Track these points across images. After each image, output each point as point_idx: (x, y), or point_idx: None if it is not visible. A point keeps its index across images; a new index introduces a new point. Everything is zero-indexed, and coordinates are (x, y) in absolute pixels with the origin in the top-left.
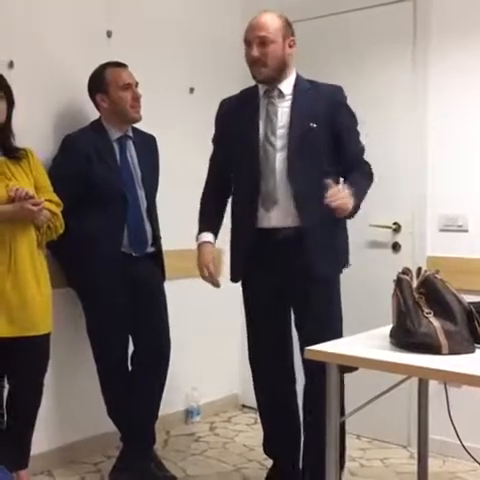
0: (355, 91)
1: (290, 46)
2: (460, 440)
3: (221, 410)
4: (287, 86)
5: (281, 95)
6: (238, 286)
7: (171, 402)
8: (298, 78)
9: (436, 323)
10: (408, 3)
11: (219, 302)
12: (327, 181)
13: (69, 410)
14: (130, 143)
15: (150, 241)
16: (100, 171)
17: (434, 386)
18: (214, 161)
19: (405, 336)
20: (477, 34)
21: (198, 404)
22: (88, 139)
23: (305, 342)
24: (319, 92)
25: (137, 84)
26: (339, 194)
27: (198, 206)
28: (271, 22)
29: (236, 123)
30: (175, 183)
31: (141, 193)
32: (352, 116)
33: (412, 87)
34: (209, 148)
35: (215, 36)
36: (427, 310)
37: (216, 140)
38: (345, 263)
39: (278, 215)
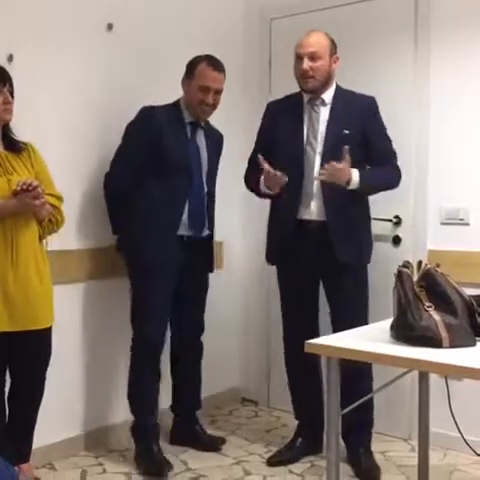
0: (356, 84)
1: (334, 62)
2: (461, 433)
3: (222, 403)
4: (328, 95)
5: (323, 103)
6: (239, 281)
7: None
8: (338, 88)
9: (437, 316)
10: None
11: (219, 296)
12: (345, 147)
13: (71, 404)
14: (201, 131)
15: (207, 224)
16: (170, 144)
17: (435, 379)
18: (253, 156)
19: (406, 329)
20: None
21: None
22: (164, 113)
23: (334, 326)
24: (354, 101)
25: (220, 91)
26: (334, 171)
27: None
28: (320, 40)
29: (281, 126)
30: None
31: (204, 176)
32: (382, 124)
33: (413, 80)
34: None
35: (216, 29)
36: (428, 303)
37: (259, 138)
38: (368, 255)
39: (315, 210)
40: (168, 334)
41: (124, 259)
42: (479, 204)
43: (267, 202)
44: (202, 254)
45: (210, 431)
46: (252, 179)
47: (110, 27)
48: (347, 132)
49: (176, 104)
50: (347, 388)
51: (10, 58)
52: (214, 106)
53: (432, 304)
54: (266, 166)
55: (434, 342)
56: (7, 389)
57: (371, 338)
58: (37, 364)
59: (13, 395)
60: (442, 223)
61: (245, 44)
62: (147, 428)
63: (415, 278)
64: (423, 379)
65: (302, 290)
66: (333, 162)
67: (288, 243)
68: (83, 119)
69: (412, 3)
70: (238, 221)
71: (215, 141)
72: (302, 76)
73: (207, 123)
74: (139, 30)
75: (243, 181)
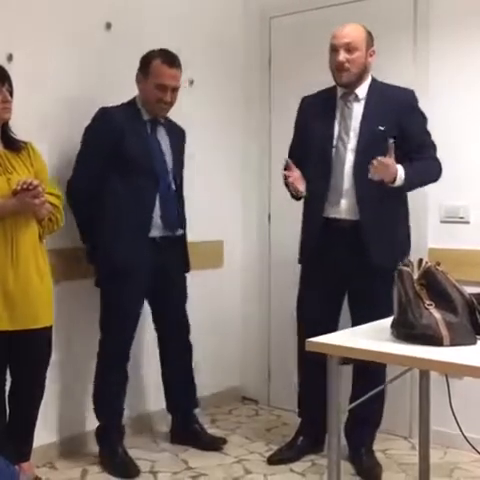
0: None
1: (371, 55)
2: (461, 431)
3: (222, 402)
4: (363, 90)
5: (357, 98)
6: (239, 280)
7: None
8: (373, 82)
9: (437, 315)
10: None
11: (220, 295)
12: (390, 141)
13: (70, 402)
14: (161, 127)
15: (179, 222)
16: (132, 143)
17: (435, 377)
18: (292, 150)
19: (406, 328)
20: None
21: (199, 396)
22: (121, 113)
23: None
24: (391, 95)
25: (177, 88)
26: (384, 168)
27: (198, 200)
28: (356, 32)
29: (314, 120)
30: None
31: (171, 174)
32: (422, 117)
33: (413, 77)
34: (207, 139)
35: (216, 28)
36: (428, 302)
37: (294, 133)
38: (403, 255)
39: (344, 208)
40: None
41: (94, 265)
42: (479, 202)
43: (266, 201)
44: (176, 255)
45: (210, 430)
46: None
47: (109, 26)
48: (382, 128)
49: (132, 102)
50: (359, 385)
51: (10, 57)
52: (171, 104)
53: (432, 302)
54: (286, 173)
55: (435, 340)
56: (8, 388)
57: (372, 336)
58: (37, 363)
59: (13, 394)
60: (442, 221)
61: (245, 43)
62: (112, 431)
63: (415, 276)
64: (424, 377)
65: (325, 295)
66: (379, 157)
67: (314, 243)
68: (81, 118)
69: (411, 2)
70: (238, 220)
71: (177, 137)
72: (337, 68)
73: (167, 119)
74: (138, 29)
75: (241, 182)
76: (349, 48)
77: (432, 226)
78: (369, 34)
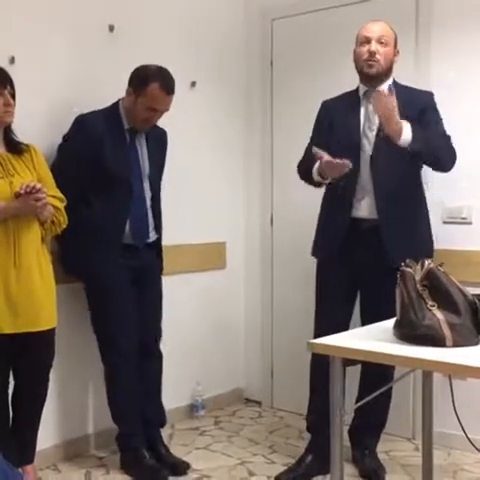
0: (357, 84)
1: (395, 55)
2: (465, 432)
3: (225, 404)
4: (384, 87)
5: None
6: (242, 281)
7: (176, 396)
8: (394, 82)
9: (440, 315)
10: None
11: (223, 296)
12: (391, 85)
13: (74, 405)
14: (141, 134)
15: (152, 232)
16: (109, 155)
17: (438, 378)
18: (309, 148)
19: (409, 329)
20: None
21: (202, 398)
22: (101, 121)
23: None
24: (410, 95)
25: (167, 110)
26: (384, 102)
27: (201, 201)
28: (387, 28)
29: (337, 120)
30: (176, 177)
31: (146, 184)
32: (438, 115)
33: (414, 79)
34: (209, 141)
35: (218, 30)
36: (431, 302)
37: (315, 134)
38: (426, 256)
39: (367, 206)
40: None
41: (80, 281)
42: None
43: (268, 203)
44: (152, 258)
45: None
46: (305, 169)
47: (111, 29)
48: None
49: (114, 108)
50: (367, 388)
51: (12, 60)
52: (155, 123)
53: (435, 303)
54: (326, 157)
55: (437, 341)
56: (10, 390)
57: (374, 338)
58: (40, 365)
59: (17, 397)
60: (444, 222)
61: (247, 44)
62: (134, 435)
63: (418, 277)
64: (426, 378)
65: (343, 292)
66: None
67: (339, 243)
68: None
69: (413, 3)
70: (241, 222)
71: (157, 141)
72: (369, 58)
73: None
74: (140, 31)
75: (243, 183)
76: (381, 41)
77: (434, 227)
78: (396, 34)
